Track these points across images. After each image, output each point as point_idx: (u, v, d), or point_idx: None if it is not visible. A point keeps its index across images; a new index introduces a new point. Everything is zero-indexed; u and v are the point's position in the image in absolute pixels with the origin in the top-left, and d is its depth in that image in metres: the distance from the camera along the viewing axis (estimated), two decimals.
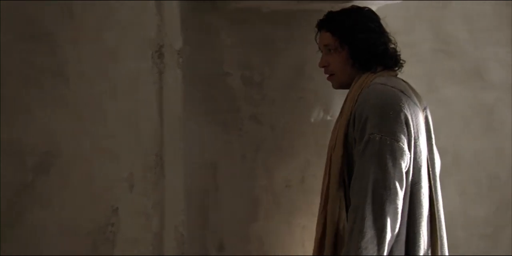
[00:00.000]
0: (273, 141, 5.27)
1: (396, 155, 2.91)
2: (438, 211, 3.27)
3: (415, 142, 3.05)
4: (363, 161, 2.91)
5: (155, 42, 4.77)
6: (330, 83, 3.96)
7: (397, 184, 2.92)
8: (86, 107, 4.40)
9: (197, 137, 5.18)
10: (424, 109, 3.34)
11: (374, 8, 4.92)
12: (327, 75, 3.37)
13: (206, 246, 5.39)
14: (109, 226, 4.60)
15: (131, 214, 4.73)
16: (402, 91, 3.10)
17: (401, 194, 2.92)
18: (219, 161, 5.31)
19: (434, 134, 3.54)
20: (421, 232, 3.07)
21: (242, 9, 4.94)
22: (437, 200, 3.27)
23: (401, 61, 3.41)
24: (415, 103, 3.15)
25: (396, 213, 2.92)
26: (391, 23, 3.84)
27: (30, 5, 4.14)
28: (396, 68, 3.38)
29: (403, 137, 2.94)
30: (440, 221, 3.30)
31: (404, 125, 2.96)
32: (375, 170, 2.89)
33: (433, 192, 3.24)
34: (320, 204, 3.22)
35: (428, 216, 3.16)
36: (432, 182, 3.24)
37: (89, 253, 4.50)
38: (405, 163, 2.97)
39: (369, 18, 3.33)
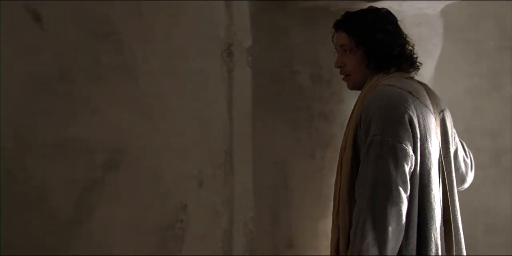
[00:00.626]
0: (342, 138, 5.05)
1: (398, 156, 2.75)
2: (454, 216, 3.03)
3: (422, 144, 2.88)
4: (366, 163, 2.78)
5: (224, 41, 4.61)
6: None
7: (400, 186, 2.75)
8: (155, 105, 4.29)
9: (266, 135, 4.99)
10: (441, 112, 3.13)
11: (440, 7, 4.68)
12: (343, 76, 3.19)
13: (275, 243, 5.20)
14: (178, 222, 4.47)
15: (200, 211, 4.59)
16: (410, 92, 2.99)
17: (404, 196, 2.76)
18: (288, 158, 5.11)
19: (488, 134, 3.33)
20: (432, 236, 2.89)
21: (310, 8, 4.74)
22: (453, 205, 3.03)
23: (417, 63, 3.21)
24: (425, 105, 3.00)
25: (400, 215, 2.75)
26: (456, 21, 3.60)
27: (99, 5, 4.05)
28: (412, 70, 3.17)
29: (406, 138, 2.78)
30: (456, 227, 3.05)
31: (409, 127, 2.80)
32: (377, 172, 2.73)
33: (448, 196, 2.98)
34: (334, 206, 3.07)
35: (441, 220, 2.97)
36: (447, 186, 2.98)
37: (157, 249, 4.38)
38: (409, 165, 2.81)
39: (386, 19, 3.22)
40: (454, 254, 3.04)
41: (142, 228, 4.30)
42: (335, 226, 3.05)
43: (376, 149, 2.71)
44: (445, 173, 2.99)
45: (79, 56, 3.97)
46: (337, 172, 3.06)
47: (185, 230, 4.50)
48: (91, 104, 4.04)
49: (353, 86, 3.16)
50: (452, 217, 3.03)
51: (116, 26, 4.11)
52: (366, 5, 4.50)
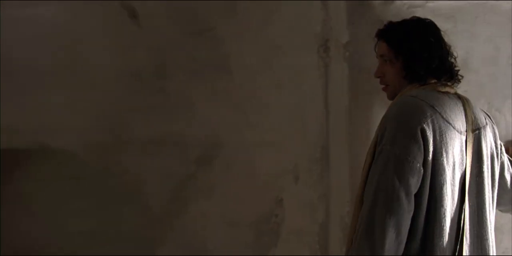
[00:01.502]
0: None
1: (404, 168, 2.47)
2: (477, 238, 2.70)
3: (435, 159, 2.57)
4: (373, 171, 2.57)
5: (320, 36, 4.35)
6: (495, 77, 3.39)
7: (403, 199, 2.46)
8: (249, 100, 4.12)
9: (363, 130, 4.66)
10: (476, 130, 2.78)
11: None
12: (383, 86, 2.95)
13: None
14: (273, 217, 4.26)
15: (296, 205, 4.36)
16: (432, 106, 2.63)
17: (407, 207, 2.49)
18: None
19: None
20: (437, 252, 2.57)
21: (407, 3, 4.38)
22: (478, 226, 2.72)
23: (458, 77, 2.90)
24: (447, 121, 2.63)
25: (400, 226, 2.45)
26: None
27: (195, 4, 3.95)
28: (451, 83, 2.87)
29: (415, 152, 2.49)
30: (473, 246, 2.69)
31: (421, 140, 2.51)
32: (381, 181, 2.49)
33: (467, 218, 2.67)
34: (354, 208, 2.82)
35: (454, 239, 2.61)
36: (473, 206, 2.72)
37: (252, 243, 4.22)
38: (415, 178, 2.51)
39: (428, 30, 2.99)
40: None
41: (236, 222, 4.13)
42: (352, 227, 2.80)
43: (384, 159, 2.53)
44: (474, 193, 2.70)
45: (174, 52, 3.88)
46: (361, 174, 2.85)
47: (280, 224, 4.29)
48: (186, 100, 3.94)
49: (391, 97, 2.96)
50: (465, 238, 2.69)
51: (211, 22, 3.98)
52: None
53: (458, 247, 2.63)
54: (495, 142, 2.88)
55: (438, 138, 2.57)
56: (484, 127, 2.76)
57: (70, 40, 4.14)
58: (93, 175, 5.07)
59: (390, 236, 2.44)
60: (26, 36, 4.28)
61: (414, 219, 2.51)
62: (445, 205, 2.55)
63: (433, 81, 2.77)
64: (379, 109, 4.65)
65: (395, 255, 2.48)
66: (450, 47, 2.91)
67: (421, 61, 2.74)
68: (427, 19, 3.00)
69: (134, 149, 3.76)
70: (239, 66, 4.04)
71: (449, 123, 2.62)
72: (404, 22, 2.97)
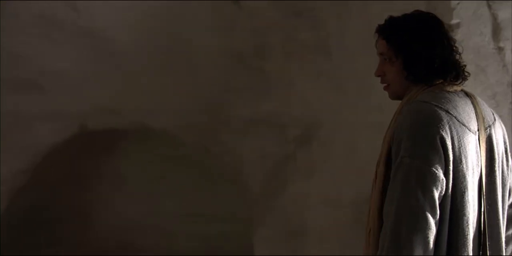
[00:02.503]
0: None
1: (427, 181, 2.40)
2: (491, 240, 2.62)
3: (455, 167, 2.51)
4: (393, 185, 2.44)
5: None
6: None
7: (428, 212, 2.41)
8: (349, 81, 4.14)
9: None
10: (487, 128, 2.67)
11: None
12: (384, 85, 2.85)
13: None
14: None
15: None
16: (447, 110, 2.51)
17: (433, 222, 2.44)
18: None
19: None
20: None
21: None
22: (493, 226, 2.63)
23: (465, 74, 2.76)
24: (462, 124, 2.54)
25: (427, 243, 2.40)
26: None
27: None
28: (458, 82, 2.74)
29: (437, 161, 2.42)
30: (496, 249, 2.66)
31: (441, 149, 2.43)
32: (403, 196, 2.40)
33: (485, 219, 2.61)
34: (366, 220, 2.74)
35: (477, 247, 2.58)
36: (487, 208, 2.62)
37: (352, 223, 4.25)
38: (439, 189, 2.45)
39: (430, 26, 2.67)
40: None
41: (336, 202, 4.18)
42: (367, 244, 2.70)
43: (404, 172, 2.43)
44: (487, 193, 2.61)
45: (274, 33, 3.96)
46: (372, 185, 2.79)
47: None
48: (285, 80, 4.02)
49: (393, 97, 2.81)
50: (488, 242, 2.65)
51: (310, 3, 4.01)
52: None
53: (481, 252, 2.64)
54: (504, 138, 2.83)
55: (456, 144, 2.53)
56: (494, 123, 2.67)
57: (171, 22, 4.31)
58: (191, 155, 5.26)
59: (418, 252, 2.41)
60: (128, 20, 4.50)
61: (437, 230, 2.44)
62: (467, 213, 2.47)
63: (439, 81, 2.64)
64: (484, 90, 4.65)
65: None
66: (455, 42, 2.80)
67: (422, 61, 2.64)
68: (430, 13, 2.88)
69: (233, 129, 3.89)
70: (339, 46, 4.06)
71: (464, 125, 2.58)
72: (405, 18, 2.75)
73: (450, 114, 2.46)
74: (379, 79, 3.74)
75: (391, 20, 2.72)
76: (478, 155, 2.57)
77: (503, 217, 2.73)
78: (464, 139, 2.47)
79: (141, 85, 4.73)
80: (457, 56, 2.68)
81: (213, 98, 3.98)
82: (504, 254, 2.71)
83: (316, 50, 4.04)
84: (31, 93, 4.88)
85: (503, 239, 2.73)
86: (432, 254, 2.42)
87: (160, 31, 4.36)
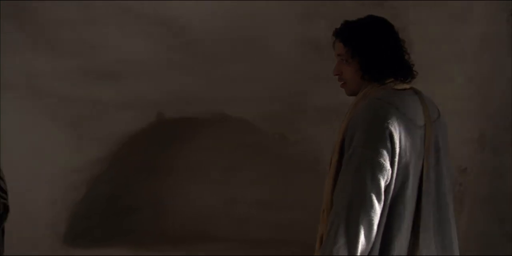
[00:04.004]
0: None
1: (375, 170, 2.79)
2: (424, 227, 2.93)
3: (400, 159, 2.88)
4: (345, 172, 2.85)
5: (508, 5, 4.40)
6: None
7: (374, 197, 2.79)
8: (430, 70, 4.20)
9: None
10: (434, 122, 3.01)
11: None
12: (341, 82, 3.10)
13: None
14: (457, 186, 4.46)
15: (480, 174, 4.48)
16: (397, 108, 2.88)
17: (377, 207, 2.82)
18: None
19: None
20: (395, 245, 2.89)
21: None
22: (427, 216, 2.93)
23: (413, 72, 2.99)
24: (410, 120, 2.91)
25: (371, 224, 2.79)
26: None
27: None
28: (407, 80, 2.97)
29: (385, 153, 2.80)
30: (427, 239, 2.95)
31: (388, 142, 2.81)
32: (354, 182, 2.79)
33: (422, 207, 2.93)
34: (323, 203, 3.05)
35: (409, 232, 2.93)
36: (423, 196, 2.95)
37: None
38: (385, 178, 2.82)
39: (382, 29, 3.06)
40: None
41: None
42: (322, 223, 3.03)
43: (356, 161, 2.81)
44: (434, 180, 2.99)
45: None
46: (328, 173, 3.08)
47: (464, 193, 4.47)
48: None
49: (350, 93, 3.14)
50: (422, 227, 2.94)
51: None
52: None
53: (413, 235, 2.90)
54: (446, 133, 3.13)
55: (403, 138, 2.86)
56: (439, 118, 2.98)
57: (250, 11, 4.48)
58: (269, 143, 5.43)
59: (364, 234, 2.78)
60: (204, 9, 4.71)
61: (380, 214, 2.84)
62: (405, 201, 2.88)
63: (390, 79, 3.01)
64: None
65: (365, 252, 2.80)
66: (404, 42, 3.09)
67: (376, 61, 3.01)
68: (382, 17, 3.17)
69: (311, 118, 4.05)
70: (419, 36, 4.17)
71: (411, 121, 2.92)
72: (360, 22, 3.14)
73: (399, 111, 2.83)
74: (459, 68, 3.95)
75: (347, 24, 3.11)
76: (421, 147, 2.88)
77: (452, 201, 3.01)
78: (410, 134, 2.85)
79: (219, 74, 4.95)
80: (406, 56, 3.00)
81: (292, 87, 4.15)
82: (453, 235, 2.98)
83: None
84: (109, 82, 5.17)
85: (453, 220, 3.00)
86: (374, 233, 2.79)
87: (237, 19, 4.53)
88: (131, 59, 5.03)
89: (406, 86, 3.01)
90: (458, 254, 3.10)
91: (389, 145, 2.82)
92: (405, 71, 3.02)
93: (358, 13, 3.99)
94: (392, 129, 2.82)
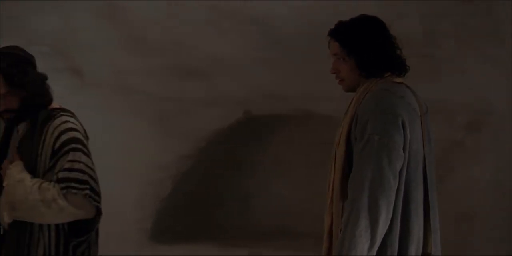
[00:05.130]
0: None
1: (391, 155, 3.04)
2: (432, 208, 3.22)
3: (410, 145, 3.13)
4: (361, 158, 3.08)
5: None
6: None
7: (392, 182, 3.06)
8: None
9: None
10: (426, 112, 3.33)
11: None
12: (338, 80, 3.27)
13: None
14: None
15: None
16: (402, 97, 3.18)
17: (394, 190, 3.08)
18: None
19: None
20: (413, 227, 3.16)
21: None
22: (432, 199, 3.23)
23: (407, 66, 3.16)
24: (413, 109, 3.20)
25: (390, 207, 3.07)
26: None
27: None
28: (402, 75, 3.14)
29: (399, 139, 3.06)
30: (434, 219, 3.24)
31: (401, 129, 3.08)
32: (372, 167, 3.04)
33: (429, 191, 3.22)
34: (328, 195, 3.33)
35: (422, 214, 3.21)
36: (428, 181, 3.23)
37: None
38: (400, 163, 3.08)
39: (376, 27, 3.30)
40: (431, 246, 3.22)
41: (505, 189, 4.46)
42: (329, 213, 3.32)
43: (373, 147, 3.05)
44: (427, 169, 3.24)
45: (444, 19, 4.24)
46: (331, 165, 3.34)
47: None
48: (455, 66, 4.30)
49: (347, 90, 3.37)
50: (431, 210, 3.22)
51: None
52: None
53: (426, 221, 3.18)
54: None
55: (410, 126, 3.10)
56: (427, 112, 3.21)
57: (335, 9, 4.68)
58: None
59: (383, 215, 3.02)
60: (293, 8, 4.93)
61: (395, 198, 3.10)
62: (419, 185, 3.17)
63: (388, 74, 3.25)
64: None
65: (384, 233, 3.04)
66: (395, 38, 3.31)
67: (372, 59, 3.22)
68: (373, 16, 3.37)
69: None
70: (511, 33, 4.29)
71: (414, 110, 3.17)
72: (353, 22, 3.34)
73: (405, 100, 3.06)
74: None
75: (341, 25, 3.37)
76: (421, 137, 3.20)
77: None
78: (415, 122, 3.16)
79: (305, 72, 5.14)
80: (398, 51, 3.23)
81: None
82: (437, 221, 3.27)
83: (488, 37, 4.29)
84: (196, 79, 5.40)
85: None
86: (391, 215, 3.06)
87: (325, 18, 4.71)
88: (219, 56, 5.25)
89: (401, 80, 3.30)
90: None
91: (402, 132, 3.08)
92: (400, 65, 3.29)
93: (450, 11, 4.16)
94: (404, 117, 3.10)
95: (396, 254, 3.13)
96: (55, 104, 3.38)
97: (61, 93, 5.30)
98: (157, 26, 5.24)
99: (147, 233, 5.83)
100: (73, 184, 3.21)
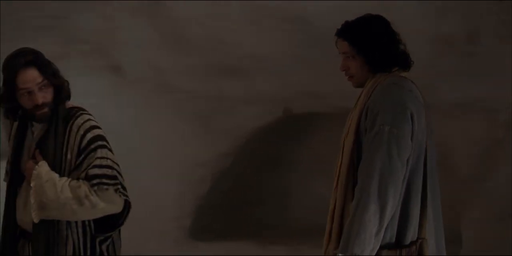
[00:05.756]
0: None
1: (401, 145, 3.27)
2: (430, 197, 3.42)
3: (417, 135, 3.34)
4: (372, 148, 3.29)
5: None
6: None
7: (400, 170, 3.27)
8: None
9: None
10: (428, 107, 3.49)
11: None
12: (347, 76, 3.36)
13: None
14: None
15: None
16: (410, 91, 3.39)
17: (402, 178, 3.29)
18: None
19: None
20: (412, 213, 3.37)
21: None
22: (431, 188, 3.42)
23: (411, 61, 3.53)
24: (420, 102, 3.41)
25: (397, 193, 3.28)
26: None
27: None
28: (407, 69, 3.52)
29: (408, 130, 3.28)
30: (431, 207, 3.43)
31: (410, 120, 3.29)
32: (382, 156, 3.26)
33: (427, 179, 3.42)
34: (334, 181, 3.55)
35: (420, 201, 3.41)
36: (428, 171, 3.42)
37: None
38: (408, 152, 3.30)
39: (381, 25, 3.50)
40: (426, 231, 3.40)
41: None
42: (333, 198, 3.54)
43: (383, 137, 3.26)
44: (428, 158, 3.42)
45: (487, 17, 4.26)
46: (339, 154, 3.54)
47: None
48: (497, 65, 4.31)
49: (357, 85, 3.58)
50: (429, 197, 3.41)
51: None
52: None
53: (423, 207, 3.36)
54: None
55: (418, 118, 3.30)
56: (428, 106, 3.46)
57: (381, 8, 4.65)
58: None
59: (391, 201, 3.23)
60: (334, 6, 4.96)
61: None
62: (419, 174, 3.35)
63: (395, 68, 3.44)
64: None
65: (390, 218, 3.24)
66: (399, 35, 3.47)
67: (380, 55, 3.41)
68: (378, 15, 3.54)
69: (440, 112, 4.23)
70: None
71: (420, 103, 3.37)
72: (360, 21, 3.52)
73: (412, 93, 3.25)
74: None
75: (349, 24, 3.52)
76: (425, 129, 3.37)
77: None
78: (421, 114, 3.36)
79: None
80: (402, 47, 3.35)
81: (421, 81, 4.37)
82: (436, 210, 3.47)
83: None
84: (235, 77, 5.49)
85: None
86: (397, 201, 3.27)
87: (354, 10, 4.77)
88: (259, 54, 5.33)
89: (406, 74, 3.43)
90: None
91: (411, 123, 3.27)
92: (406, 60, 3.42)
93: (493, 9, 4.17)
94: (412, 109, 3.31)
95: (395, 237, 3.33)
96: (70, 103, 3.46)
97: (101, 91, 5.46)
98: (197, 24, 5.33)
99: (186, 230, 5.93)
100: (104, 180, 3.32)
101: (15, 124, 3.51)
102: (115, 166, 3.38)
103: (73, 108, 3.44)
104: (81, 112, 3.42)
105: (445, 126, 4.31)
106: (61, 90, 3.38)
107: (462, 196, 4.32)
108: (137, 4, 5.28)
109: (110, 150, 3.40)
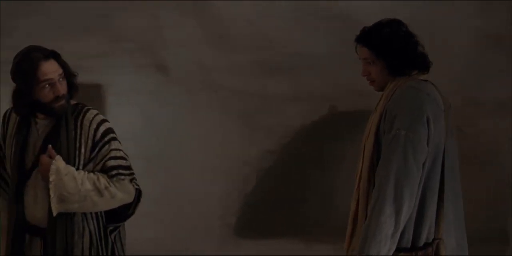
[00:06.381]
0: None
1: (417, 148, 3.35)
2: (448, 198, 3.50)
3: (433, 139, 3.40)
4: (389, 151, 3.39)
5: None
6: None
7: (415, 173, 3.36)
8: None
9: None
10: (449, 108, 3.57)
11: None
12: (369, 81, 3.34)
13: None
14: None
15: None
16: (428, 94, 3.46)
17: (417, 181, 3.37)
18: None
19: None
20: (427, 214, 3.44)
21: None
22: (449, 189, 3.50)
23: (429, 63, 3.59)
24: (437, 105, 3.48)
25: (413, 196, 3.37)
26: None
27: None
28: (426, 72, 3.59)
29: (424, 134, 3.36)
30: (448, 207, 3.50)
31: (426, 124, 3.37)
32: (399, 160, 3.35)
33: (445, 179, 3.49)
34: (356, 183, 3.65)
35: (436, 202, 3.50)
36: (445, 172, 3.49)
37: None
38: (424, 156, 3.37)
39: (399, 30, 3.57)
40: (442, 233, 3.47)
41: None
42: (355, 199, 3.63)
43: (400, 141, 3.35)
44: (445, 160, 3.49)
45: None
46: (360, 155, 3.63)
47: None
48: None
49: (379, 89, 3.65)
50: (445, 198, 3.48)
51: None
52: None
53: (439, 208, 3.47)
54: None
55: (435, 122, 3.38)
56: (450, 108, 3.52)
57: (428, 6, 4.72)
58: None
59: (407, 204, 3.31)
60: (381, 4, 5.02)
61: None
62: (437, 175, 3.46)
63: (415, 71, 3.52)
64: None
65: (406, 220, 3.33)
66: (416, 36, 3.54)
67: (400, 59, 3.48)
68: (396, 19, 3.60)
69: (486, 110, 4.28)
70: None
71: (438, 106, 3.45)
72: (378, 27, 3.58)
73: (430, 97, 3.37)
74: None
75: (367, 30, 3.60)
76: (444, 131, 3.46)
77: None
78: (439, 117, 3.45)
79: None
80: (420, 48, 3.38)
81: (468, 79, 4.39)
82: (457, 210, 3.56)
83: None
84: (281, 75, 5.55)
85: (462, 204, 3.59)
86: (413, 203, 3.37)
87: (413, 14, 4.77)
88: (304, 53, 5.39)
89: (425, 77, 3.45)
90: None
91: (427, 127, 3.36)
92: (425, 62, 3.46)
93: None
94: (429, 113, 3.40)
95: (411, 238, 3.43)
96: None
97: (146, 90, 5.55)
98: (243, 23, 5.42)
99: (231, 228, 6.00)
100: (120, 171, 3.50)
101: (12, 121, 3.63)
102: (127, 157, 3.56)
103: (77, 103, 3.59)
104: (87, 107, 3.58)
105: (494, 125, 4.32)
106: (73, 84, 3.52)
107: (509, 195, 4.30)
108: (182, 3, 5.37)
109: (120, 142, 3.56)
